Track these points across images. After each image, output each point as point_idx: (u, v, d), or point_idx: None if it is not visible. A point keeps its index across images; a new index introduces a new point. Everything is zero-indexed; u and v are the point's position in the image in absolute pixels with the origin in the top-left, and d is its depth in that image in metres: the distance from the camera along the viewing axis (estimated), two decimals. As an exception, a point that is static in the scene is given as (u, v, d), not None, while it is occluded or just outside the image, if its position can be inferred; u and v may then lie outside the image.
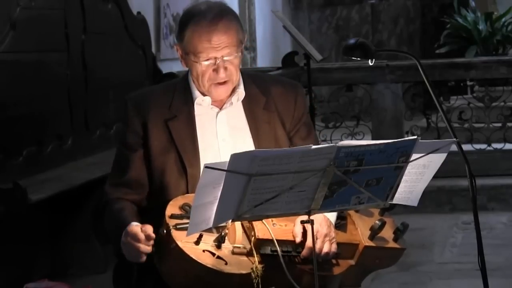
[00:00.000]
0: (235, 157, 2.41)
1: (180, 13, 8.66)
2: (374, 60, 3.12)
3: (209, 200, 2.50)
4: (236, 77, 2.92)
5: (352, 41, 3.15)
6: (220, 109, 2.96)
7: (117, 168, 2.97)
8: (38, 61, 5.18)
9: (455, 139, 2.79)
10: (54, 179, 4.91)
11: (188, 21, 2.87)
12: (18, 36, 4.97)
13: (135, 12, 6.58)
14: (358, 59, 3.13)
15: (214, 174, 2.44)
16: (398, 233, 3.00)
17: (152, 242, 2.66)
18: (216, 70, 2.86)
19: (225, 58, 2.85)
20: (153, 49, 7.00)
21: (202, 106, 2.95)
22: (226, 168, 2.42)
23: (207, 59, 2.85)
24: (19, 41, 4.99)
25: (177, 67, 7.35)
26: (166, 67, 7.07)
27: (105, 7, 6.06)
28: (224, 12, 2.87)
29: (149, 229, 2.67)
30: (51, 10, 5.36)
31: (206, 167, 2.43)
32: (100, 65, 5.82)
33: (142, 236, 2.66)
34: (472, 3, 10.82)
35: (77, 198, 5.08)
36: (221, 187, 2.46)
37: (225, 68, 2.86)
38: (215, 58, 2.85)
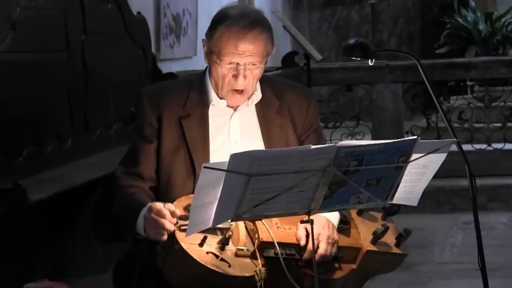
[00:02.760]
0: (234, 157, 2.41)
1: (180, 13, 8.70)
2: (374, 60, 3.12)
3: (208, 200, 2.50)
4: (253, 87, 2.93)
5: (352, 41, 3.15)
6: (235, 110, 2.97)
7: (131, 158, 2.97)
8: (38, 61, 5.18)
9: (455, 139, 2.79)
10: (54, 179, 4.91)
11: (220, 22, 2.87)
12: (18, 36, 4.96)
13: (135, 12, 6.58)
14: (358, 59, 3.14)
15: (213, 174, 2.44)
16: (401, 239, 3.00)
17: (175, 220, 2.67)
18: (235, 76, 2.87)
19: (247, 67, 2.86)
20: (153, 49, 7.00)
21: (217, 108, 2.96)
22: (225, 168, 2.42)
23: (229, 63, 2.86)
24: (19, 41, 4.98)
25: (176, 67, 7.36)
26: (166, 67, 7.07)
27: (105, 7, 6.06)
28: (257, 22, 2.87)
29: (172, 206, 2.68)
30: (51, 10, 5.36)
31: (205, 167, 2.43)
32: (100, 65, 5.82)
33: (167, 212, 2.66)
34: (472, 3, 10.83)
35: (77, 198, 5.08)
36: (221, 187, 2.45)
37: (245, 77, 2.87)
38: (237, 64, 2.86)
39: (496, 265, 5.23)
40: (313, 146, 2.48)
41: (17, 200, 4.34)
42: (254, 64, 2.87)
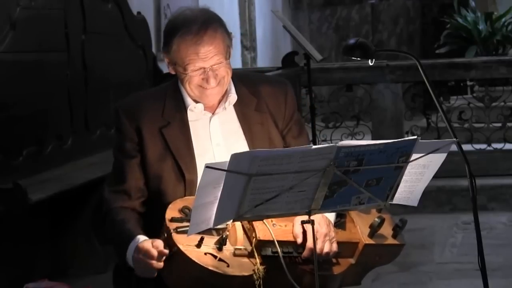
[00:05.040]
0: (235, 157, 2.41)
1: (181, 13, 8.62)
2: (374, 60, 3.12)
3: (209, 200, 2.50)
4: (228, 79, 2.91)
5: (352, 41, 3.15)
6: (213, 114, 2.95)
7: (116, 176, 2.95)
8: (38, 61, 5.18)
9: (455, 139, 2.79)
10: (54, 179, 4.91)
11: (173, 34, 2.85)
12: (18, 36, 4.97)
13: (135, 12, 6.59)
14: (358, 59, 3.13)
15: (214, 174, 2.44)
16: (397, 230, 3.00)
17: (164, 258, 2.66)
18: (206, 79, 2.85)
19: (214, 67, 2.84)
20: (153, 49, 7.00)
21: (195, 112, 2.94)
22: (226, 168, 2.42)
23: (196, 70, 2.84)
24: (19, 41, 4.99)
25: (177, 67, 7.35)
26: (166, 67, 7.06)
27: (105, 7, 6.07)
28: (209, 22, 2.85)
29: (161, 244, 2.66)
30: (51, 10, 5.36)
31: (206, 167, 2.43)
32: (100, 65, 5.82)
33: (155, 252, 2.64)
34: (472, 3, 10.82)
35: (77, 198, 5.08)
36: (221, 187, 2.46)
37: (215, 76, 2.85)
38: (204, 68, 2.84)
39: (496, 265, 5.23)
40: (314, 146, 2.48)
41: (17, 200, 4.34)
42: (221, 63, 2.85)
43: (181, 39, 2.83)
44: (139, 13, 6.69)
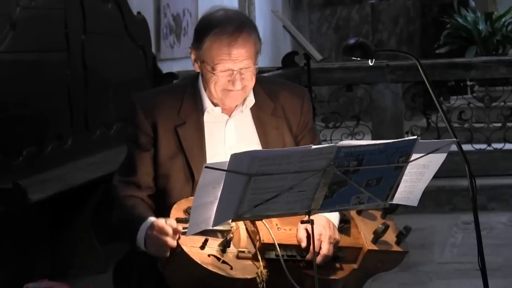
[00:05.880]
0: (235, 157, 2.41)
1: (180, 13, 8.69)
2: (374, 60, 3.12)
3: (209, 200, 2.50)
4: (251, 85, 2.91)
5: (352, 41, 3.15)
6: (229, 116, 2.96)
7: (128, 166, 2.95)
8: (38, 61, 5.18)
9: (455, 139, 2.79)
10: (54, 179, 4.91)
11: (207, 31, 2.85)
12: (18, 36, 4.97)
13: (135, 12, 6.59)
14: (358, 59, 3.14)
15: (214, 174, 2.44)
16: (401, 237, 3.00)
17: (178, 236, 2.65)
18: (232, 81, 2.85)
19: (242, 71, 2.84)
20: (153, 49, 7.00)
21: (211, 114, 2.94)
22: (226, 168, 2.42)
23: (224, 71, 2.84)
24: (19, 41, 4.99)
25: (177, 67, 7.37)
26: (166, 67, 7.07)
27: (105, 7, 6.07)
28: (244, 25, 2.85)
29: (174, 223, 2.67)
30: (51, 10, 5.36)
31: (206, 167, 2.43)
32: (100, 65, 5.82)
33: (169, 230, 2.65)
34: (472, 3, 10.83)
35: (77, 198, 5.08)
36: (221, 187, 2.46)
37: (242, 80, 2.85)
38: (232, 70, 2.84)
39: (496, 265, 5.23)
40: (313, 146, 2.48)
41: (17, 200, 4.34)
42: (249, 67, 2.85)
43: (215, 38, 2.82)
44: (139, 13, 6.69)
